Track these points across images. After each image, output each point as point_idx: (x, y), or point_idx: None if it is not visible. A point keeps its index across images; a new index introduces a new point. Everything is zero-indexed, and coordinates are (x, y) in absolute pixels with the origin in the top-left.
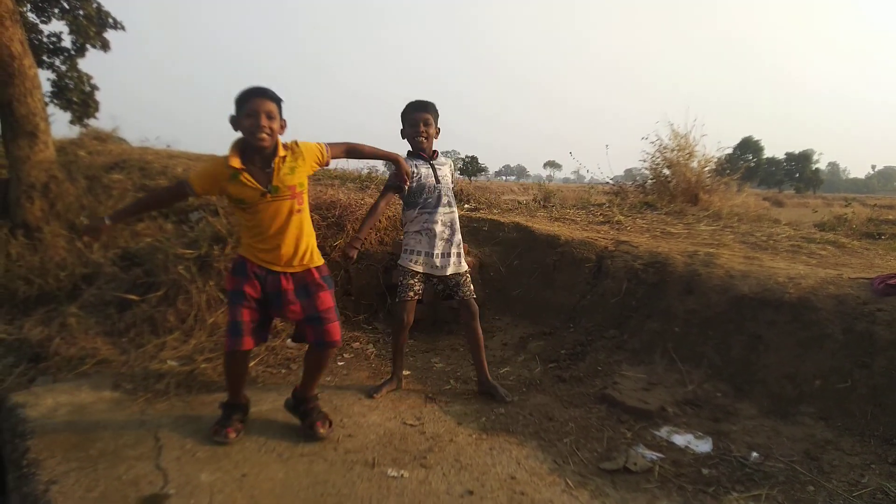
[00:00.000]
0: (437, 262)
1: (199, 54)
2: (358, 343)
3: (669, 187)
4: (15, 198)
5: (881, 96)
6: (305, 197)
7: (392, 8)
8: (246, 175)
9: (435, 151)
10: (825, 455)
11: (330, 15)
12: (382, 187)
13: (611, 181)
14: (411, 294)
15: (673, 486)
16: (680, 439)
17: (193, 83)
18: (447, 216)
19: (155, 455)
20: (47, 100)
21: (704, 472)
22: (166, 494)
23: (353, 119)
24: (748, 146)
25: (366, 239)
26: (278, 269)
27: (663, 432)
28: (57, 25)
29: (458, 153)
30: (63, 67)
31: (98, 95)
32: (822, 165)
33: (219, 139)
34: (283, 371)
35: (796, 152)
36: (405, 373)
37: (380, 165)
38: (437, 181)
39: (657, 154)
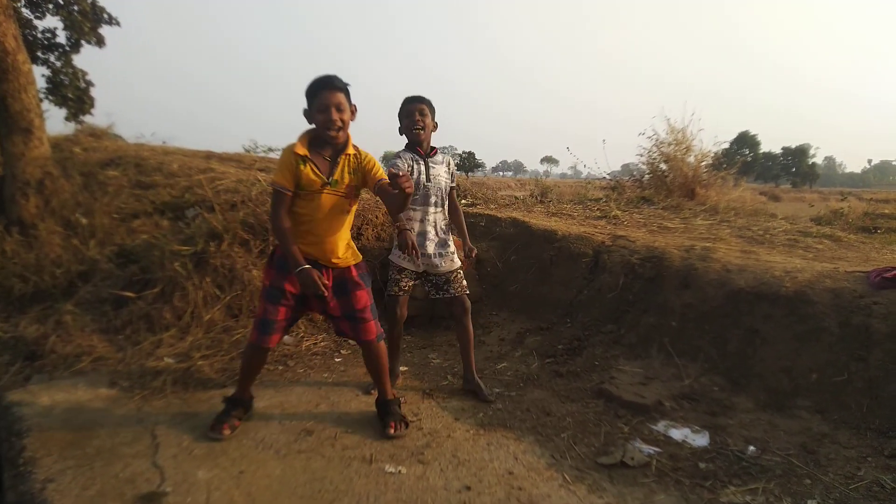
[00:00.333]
0: (426, 259)
1: (196, 50)
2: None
3: (666, 182)
4: (10, 195)
5: (878, 91)
6: (356, 203)
7: (391, 2)
8: (312, 163)
9: (434, 149)
10: (822, 448)
11: (329, 8)
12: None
13: (608, 176)
14: (396, 289)
15: (670, 481)
16: (677, 433)
17: (190, 79)
18: (434, 215)
19: (152, 452)
20: (42, 96)
21: (701, 466)
22: (163, 492)
23: None
24: (745, 141)
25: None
26: (321, 262)
27: (660, 427)
28: (51, 21)
29: (456, 149)
30: (58, 63)
31: (94, 91)
32: (818, 160)
33: (216, 135)
34: (281, 368)
35: (793, 147)
36: (402, 369)
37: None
38: (428, 179)
39: (654, 149)
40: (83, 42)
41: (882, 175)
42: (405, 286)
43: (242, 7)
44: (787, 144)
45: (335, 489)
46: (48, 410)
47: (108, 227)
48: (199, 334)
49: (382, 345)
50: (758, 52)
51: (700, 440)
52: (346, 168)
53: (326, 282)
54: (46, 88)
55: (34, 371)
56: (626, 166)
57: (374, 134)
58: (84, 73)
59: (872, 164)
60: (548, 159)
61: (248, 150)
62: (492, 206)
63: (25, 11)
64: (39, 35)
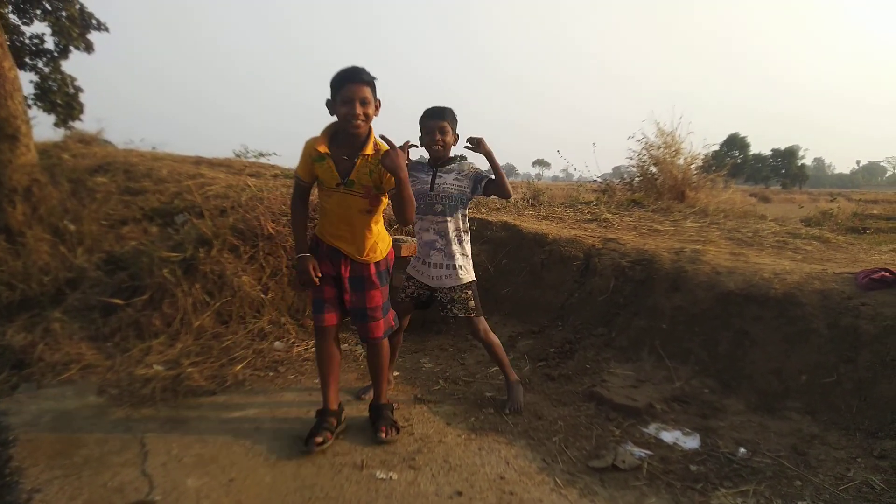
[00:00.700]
0: (429, 271)
1: (186, 55)
2: (346, 344)
3: (656, 184)
4: None
5: (865, 92)
6: (384, 202)
7: (383, 6)
8: (330, 161)
9: (453, 157)
10: (812, 449)
11: (321, 13)
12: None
13: (599, 179)
14: (402, 296)
15: (661, 483)
16: (668, 436)
17: (180, 85)
18: (438, 225)
19: (140, 461)
20: (30, 102)
21: (692, 468)
22: (152, 501)
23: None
24: (734, 143)
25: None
26: (343, 251)
27: (651, 429)
28: (39, 27)
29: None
30: (46, 69)
31: (83, 97)
32: (807, 161)
33: (206, 141)
34: (271, 374)
35: (782, 148)
36: (394, 374)
37: None
38: (432, 188)
39: (644, 152)
40: (71, 48)
41: (871, 176)
42: (410, 293)
43: (232, 13)
44: (776, 146)
45: (326, 496)
46: (36, 419)
47: (96, 234)
48: (188, 341)
49: (385, 344)
50: (747, 58)
51: (691, 442)
52: (363, 168)
53: (319, 274)
54: (35, 95)
55: (21, 379)
56: (616, 169)
57: None
58: (73, 79)
59: (861, 164)
60: (539, 162)
61: (238, 156)
62: (482, 210)
63: (13, 17)
64: (27, 41)
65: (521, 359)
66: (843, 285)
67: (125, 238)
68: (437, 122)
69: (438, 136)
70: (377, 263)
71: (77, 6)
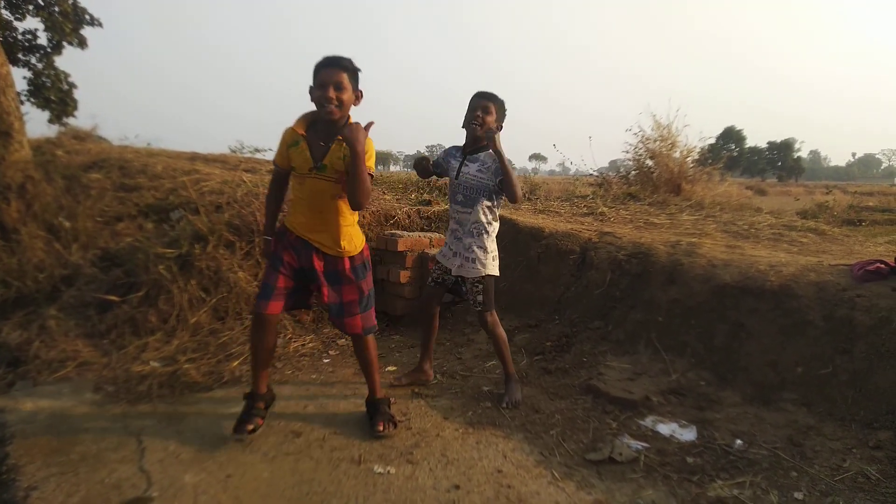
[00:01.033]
0: (450, 256)
1: (181, 51)
2: (344, 340)
3: (652, 178)
4: None
5: (861, 85)
6: None
7: (377, 4)
8: (304, 144)
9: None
10: (808, 441)
11: (317, 11)
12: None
13: (595, 173)
14: (430, 280)
15: (658, 475)
16: (665, 428)
17: (175, 80)
18: (459, 214)
19: (138, 457)
20: (24, 98)
21: (689, 460)
22: (149, 497)
23: None
24: (730, 136)
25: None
26: (314, 243)
27: (648, 422)
28: (32, 22)
29: (444, 146)
30: (39, 65)
31: (77, 93)
32: (803, 154)
33: (201, 137)
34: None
35: (778, 141)
36: (391, 368)
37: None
38: (456, 177)
39: (640, 145)
40: (65, 43)
41: (866, 168)
42: (435, 276)
43: (227, 7)
44: (772, 139)
45: (324, 491)
46: (32, 416)
47: (91, 231)
48: (185, 337)
49: (370, 340)
50: (742, 52)
51: (687, 435)
52: (337, 153)
53: (280, 255)
54: (28, 91)
55: (17, 377)
56: (613, 163)
57: None
58: (66, 75)
59: (857, 157)
60: (536, 156)
61: (234, 151)
62: None
63: (5, 13)
64: (20, 37)
65: (517, 352)
66: (839, 277)
67: (120, 235)
68: (482, 101)
69: (479, 114)
70: (352, 258)
71: (70, 1)
